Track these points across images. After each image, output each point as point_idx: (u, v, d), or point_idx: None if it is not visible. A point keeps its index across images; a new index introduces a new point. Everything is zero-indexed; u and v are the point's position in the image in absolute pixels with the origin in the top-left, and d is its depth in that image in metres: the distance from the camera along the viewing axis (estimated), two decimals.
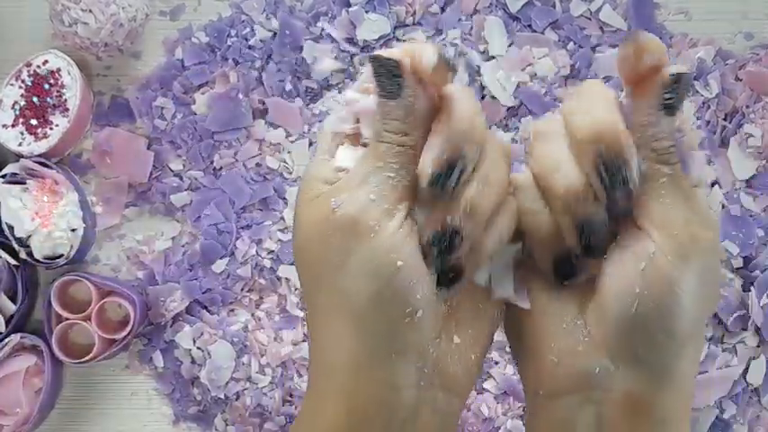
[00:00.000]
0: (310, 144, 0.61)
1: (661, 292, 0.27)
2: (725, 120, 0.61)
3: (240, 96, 0.60)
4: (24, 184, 0.58)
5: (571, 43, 0.61)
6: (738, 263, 0.59)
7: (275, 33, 0.61)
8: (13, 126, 0.59)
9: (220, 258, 0.60)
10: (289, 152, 0.61)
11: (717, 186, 0.60)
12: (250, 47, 0.61)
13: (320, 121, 0.61)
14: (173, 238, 0.62)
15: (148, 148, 0.61)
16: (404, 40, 0.61)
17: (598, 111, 0.28)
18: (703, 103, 0.60)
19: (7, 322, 0.58)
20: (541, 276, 0.30)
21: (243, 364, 0.58)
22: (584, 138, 0.28)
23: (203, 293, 0.60)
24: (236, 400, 0.59)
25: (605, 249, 0.29)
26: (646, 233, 0.28)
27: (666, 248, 0.27)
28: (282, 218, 0.60)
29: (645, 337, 0.27)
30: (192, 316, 0.60)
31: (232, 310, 0.60)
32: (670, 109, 0.27)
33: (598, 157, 0.27)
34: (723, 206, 0.59)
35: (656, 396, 0.28)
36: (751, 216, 0.59)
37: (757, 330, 0.58)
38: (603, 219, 0.28)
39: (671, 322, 0.27)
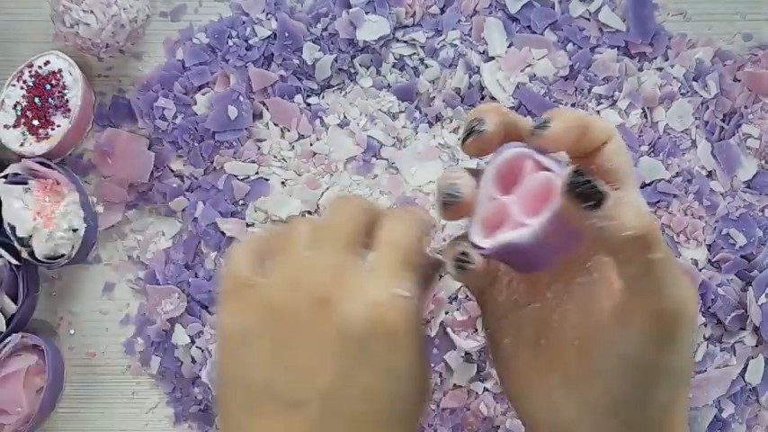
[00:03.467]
0: (311, 144, 0.61)
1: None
2: (723, 120, 0.61)
3: (241, 97, 0.60)
4: (26, 184, 0.58)
5: (570, 44, 0.61)
6: (737, 262, 0.59)
7: (276, 34, 0.61)
8: (14, 126, 0.59)
9: (220, 258, 0.60)
10: (289, 152, 0.61)
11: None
12: (250, 47, 0.61)
13: (322, 120, 0.61)
14: (173, 238, 0.62)
15: (149, 149, 0.62)
16: (404, 41, 0.61)
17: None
18: (702, 103, 0.60)
19: (8, 322, 0.59)
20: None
21: None
22: None
23: (203, 293, 0.60)
24: None
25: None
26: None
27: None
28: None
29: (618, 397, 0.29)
30: (192, 316, 0.60)
31: None
32: (594, 205, 0.26)
33: None
34: (724, 210, 0.59)
35: None
36: (750, 216, 0.60)
37: (756, 330, 0.58)
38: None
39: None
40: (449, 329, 0.58)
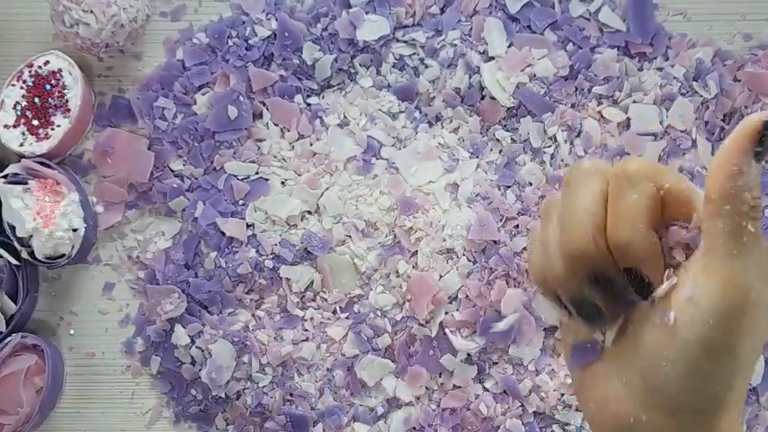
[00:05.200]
0: (311, 144, 0.61)
1: (695, 356, 0.27)
2: (723, 120, 0.61)
3: (241, 97, 0.60)
4: (26, 184, 0.58)
5: (570, 44, 0.61)
6: None
7: (276, 34, 0.61)
8: (14, 126, 0.59)
9: (220, 257, 0.60)
10: (289, 152, 0.61)
11: None
12: (250, 47, 0.61)
13: (322, 120, 0.61)
14: (173, 238, 0.62)
15: (149, 149, 0.62)
16: (404, 41, 0.61)
17: (576, 234, 0.29)
18: (702, 103, 0.60)
19: (8, 322, 0.59)
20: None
21: (243, 363, 0.59)
22: (565, 255, 0.29)
23: (203, 293, 0.60)
24: (237, 399, 0.59)
25: (606, 318, 0.30)
26: (685, 294, 0.27)
27: (709, 311, 0.26)
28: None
29: (677, 391, 0.28)
30: (192, 316, 0.60)
31: (232, 311, 0.60)
32: (759, 155, 0.26)
33: (582, 269, 0.29)
34: None
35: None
36: None
37: None
38: (593, 299, 0.29)
39: (705, 380, 0.27)
40: (448, 330, 0.58)
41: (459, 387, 0.59)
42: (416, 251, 0.58)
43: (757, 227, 0.26)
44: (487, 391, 0.59)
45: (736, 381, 0.28)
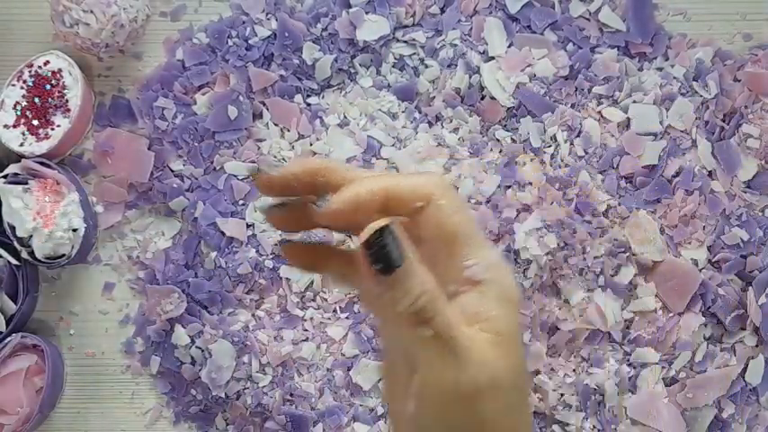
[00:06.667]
0: (311, 144, 0.61)
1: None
2: (723, 120, 0.61)
3: (241, 97, 0.60)
4: (26, 184, 0.58)
5: (570, 44, 0.61)
6: (737, 262, 0.59)
7: (276, 34, 0.61)
8: (14, 126, 0.59)
9: (220, 257, 0.60)
10: (289, 152, 0.61)
11: None
12: (250, 47, 0.61)
13: (321, 120, 0.61)
14: (173, 238, 0.62)
15: (149, 149, 0.62)
16: (404, 41, 0.61)
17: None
18: (702, 103, 0.60)
19: (8, 322, 0.59)
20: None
21: (243, 363, 0.59)
22: None
23: (203, 293, 0.60)
24: (237, 399, 0.59)
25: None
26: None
27: (417, 395, 0.26)
28: None
29: None
30: (192, 316, 0.60)
31: (232, 311, 0.60)
32: (384, 270, 0.23)
33: None
34: (724, 210, 0.59)
35: None
36: (750, 216, 0.60)
37: (756, 330, 0.58)
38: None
39: None
40: None
41: None
42: None
43: (438, 325, 0.24)
44: None
45: None
